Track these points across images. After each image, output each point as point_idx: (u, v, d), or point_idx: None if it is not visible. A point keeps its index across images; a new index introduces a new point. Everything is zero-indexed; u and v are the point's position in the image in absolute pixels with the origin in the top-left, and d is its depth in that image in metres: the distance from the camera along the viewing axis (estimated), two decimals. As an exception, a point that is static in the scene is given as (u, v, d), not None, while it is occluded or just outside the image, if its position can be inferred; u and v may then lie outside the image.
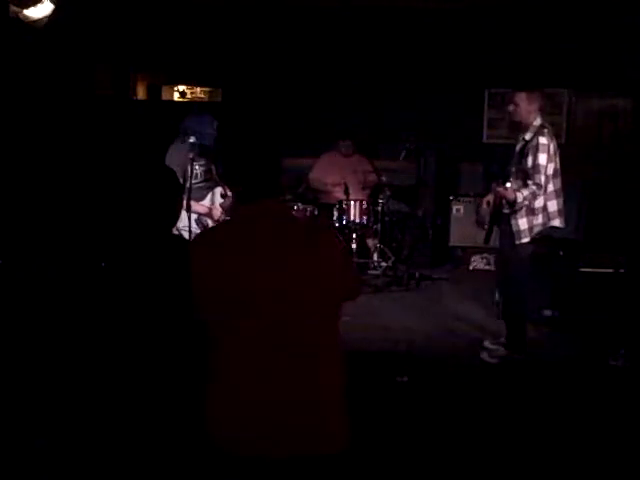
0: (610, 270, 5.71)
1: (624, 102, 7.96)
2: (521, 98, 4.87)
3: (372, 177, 7.50)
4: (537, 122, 4.85)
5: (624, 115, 7.97)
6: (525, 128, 4.88)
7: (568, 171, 7.17)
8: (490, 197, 5.09)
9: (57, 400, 3.70)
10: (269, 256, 2.05)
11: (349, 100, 8.18)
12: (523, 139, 4.86)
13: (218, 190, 4.72)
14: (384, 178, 7.47)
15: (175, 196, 2.78)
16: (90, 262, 2.94)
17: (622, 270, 5.67)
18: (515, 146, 5.01)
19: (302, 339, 2.05)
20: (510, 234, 4.88)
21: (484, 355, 5.04)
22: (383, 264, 7.17)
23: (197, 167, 4.62)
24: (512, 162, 4.96)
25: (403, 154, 7.54)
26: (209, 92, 8.22)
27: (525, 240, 4.87)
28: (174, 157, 4.54)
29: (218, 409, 2.08)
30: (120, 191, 2.74)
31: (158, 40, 7.82)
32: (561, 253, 5.94)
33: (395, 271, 7.19)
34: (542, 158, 4.71)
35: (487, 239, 5.21)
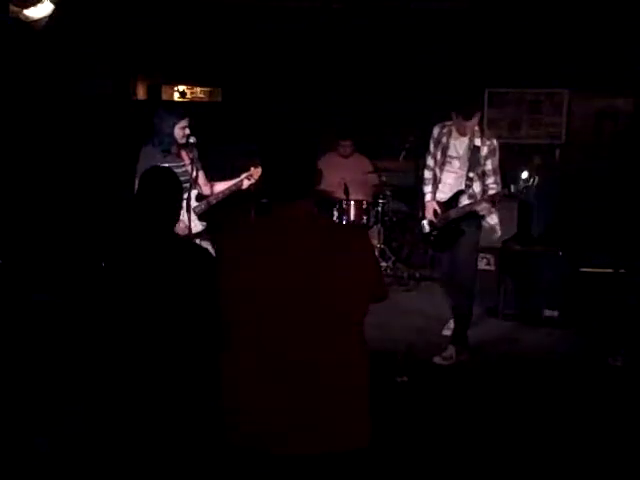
0: (610, 270, 5.72)
1: (624, 102, 7.96)
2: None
3: (373, 177, 7.50)
4: (476, 127, 5.14)
5: (624, 115, 7.97)
6: (464, 134, 5.09)
7: (568, 171, 7.18)
8: (433, 205, 5.24)
9: (58, 399, 3.71)
10: (301, 257, 2.05)
11: (349, 100, 8.17)
12: (473, 145, 5.07)
13: (194, 193, 4.54)
14: (384, 178, 7.47)
15: (176, 196, 2.79)
16: (90, 262, 2.94)
17: (622, 270, 5.68)
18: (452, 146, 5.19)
19: (327, 340, 2.05)
20: (475, 232, 5.12)
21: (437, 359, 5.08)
22: (383, 264, 7.16)
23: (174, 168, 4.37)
24: (465, 167, 5.11)
25: (403, 154, 7.55)
26: (209, 92, 8.22)
27: (498, 234, 5.23)
28: (148, 161, 4.23)
29: (237, 409, 2.07)
30: (120, 191, 2.75)
31: (158, 40, 7.82)
32: (561, 253, 5.94)
33: (395, 271, 7.19)
34: (497, 160, 5.07)
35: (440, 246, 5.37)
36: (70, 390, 3.66)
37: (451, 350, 5.08)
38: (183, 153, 4.51)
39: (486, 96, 7.93)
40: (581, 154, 7.62)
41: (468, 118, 5.02)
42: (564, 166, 7.58)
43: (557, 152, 7.93)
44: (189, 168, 4.46)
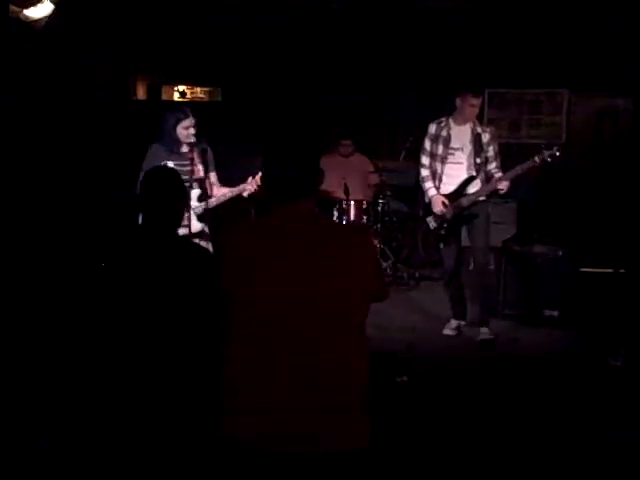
0: (610, 270, 5.72)
1: (624, 102, 7.96)
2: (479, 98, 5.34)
3: (374, 177, 7.50)
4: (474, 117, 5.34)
5: (624, 115, 7.97)
6: (466, 122, 5.24)
7: (568, 171, 7.18)
8: (441, 198, 5.28)
9: (58, 399, 3.71)
10: (301, 257, 2.04)
11: (349, 100, 8.18)
12: (475, 132, 5.22)
13: (195, 193, 4.53)
14: (384, 178, 7.47)
15: (177, 196, 2.79)
16: (90, 262, 2.94)
17: (622, 270, 5.68)
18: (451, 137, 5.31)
19: (327, 341, 2.04)
20: (487, 215, 5.33)
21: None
22: (383, 264, 7.16)
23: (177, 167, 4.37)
24: (471, 155, 5.23)
25: (403, 154, 7.55)
26: (209, 92, 8.23)
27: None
28: (153, 159, 4.31)
29: (237, 409, 2.06)
30: (120, 191, 2.75)
31: (158, 40, 7.82)
32: (561, 253, 5.94)
33: (395, 271, 7.19)
34: (497, 145, 5.31)
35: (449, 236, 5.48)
36: (70, 390, 3.66)
37: (485, 330, 5.39)
38: (190, 152, 4.50)
39: (486, 96, 7.93)
40: (581, 154, 7.63)
41: (477, 95, 5.16)
42: (564, 166, 7.58)
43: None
44: (192, 168, 4.45)
